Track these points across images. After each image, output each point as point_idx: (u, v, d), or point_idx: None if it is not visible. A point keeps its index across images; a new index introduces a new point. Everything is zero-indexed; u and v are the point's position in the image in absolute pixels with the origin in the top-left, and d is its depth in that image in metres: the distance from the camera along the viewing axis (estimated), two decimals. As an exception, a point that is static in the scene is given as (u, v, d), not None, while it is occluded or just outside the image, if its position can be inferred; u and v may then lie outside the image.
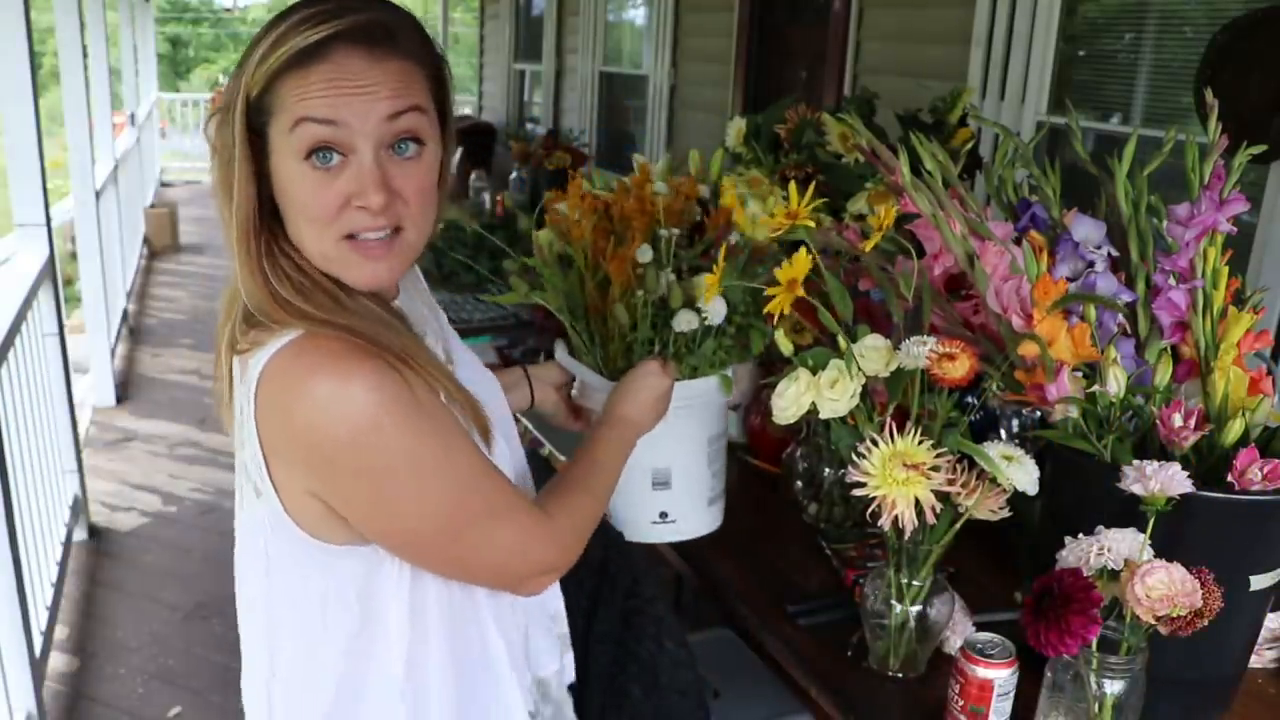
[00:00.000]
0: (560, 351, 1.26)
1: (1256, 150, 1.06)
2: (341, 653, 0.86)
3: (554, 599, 1.06)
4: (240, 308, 0.83)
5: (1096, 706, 0.91)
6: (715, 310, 1.14)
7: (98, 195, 3.98)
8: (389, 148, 0.79)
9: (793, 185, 1.10)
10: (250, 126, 0.79)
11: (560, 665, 1.07)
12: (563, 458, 1.64)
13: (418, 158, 0.81)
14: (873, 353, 1.01)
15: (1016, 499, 0.99)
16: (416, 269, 1.03)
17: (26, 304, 2.35)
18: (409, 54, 0.80)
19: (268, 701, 0.90)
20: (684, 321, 1.14)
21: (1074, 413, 0.98)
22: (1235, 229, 1.04)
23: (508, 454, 0.94)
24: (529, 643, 1.01)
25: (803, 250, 1.04)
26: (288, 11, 0.77)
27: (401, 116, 0.78)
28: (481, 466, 0.84)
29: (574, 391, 1.26)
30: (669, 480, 1.24)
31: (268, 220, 0.83)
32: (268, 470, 0.80)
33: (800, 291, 1.03)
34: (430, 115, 0.82)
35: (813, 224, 1.08)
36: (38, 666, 2.01)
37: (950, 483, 0.96)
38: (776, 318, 1.07)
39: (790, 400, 1.03)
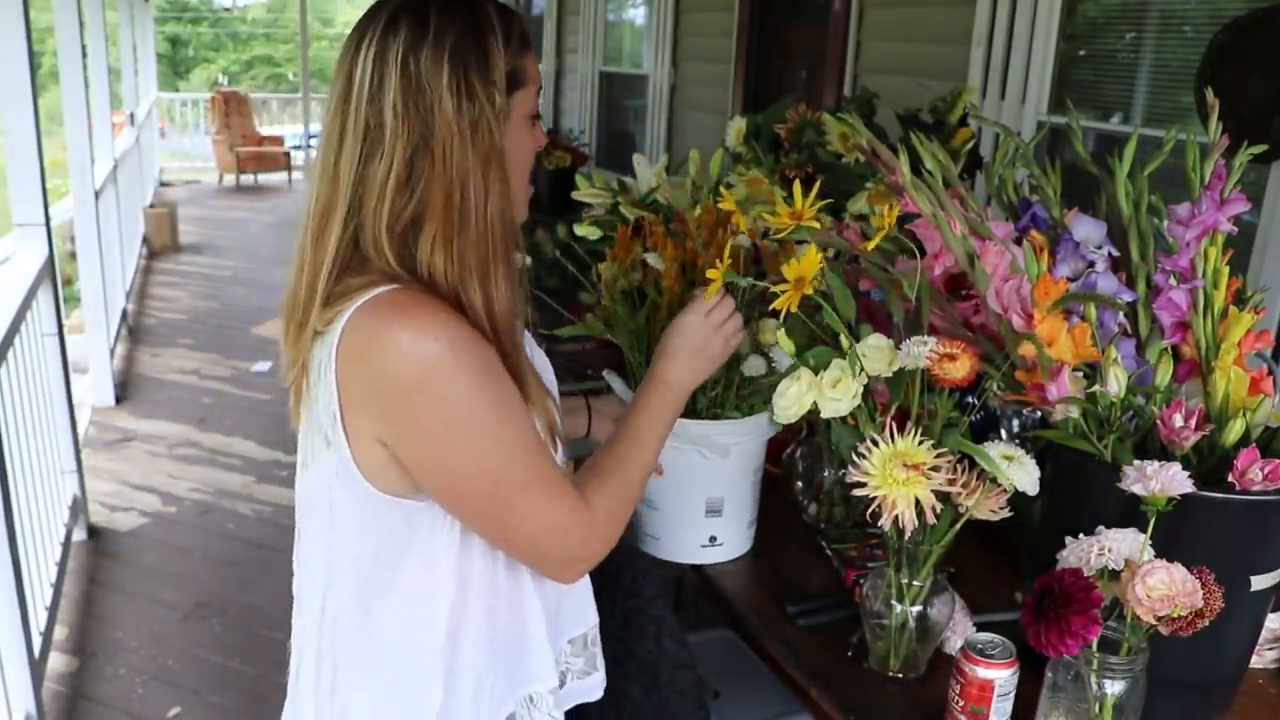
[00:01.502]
0: (618, 384, 1.27)
1: (1257, 150, 1.06)
2: (390, 605, 0.91)
3: (586, 584, 1.08)
4: (322, 295, 0.86)
5: (1097, 707, 0.90)
6: (783, 355, 1.15)
7: (97, 195, 3.98)
8: None
9: (797, 185, 1.10)
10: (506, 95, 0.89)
11: (594, 621, 1.09)
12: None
13: None
14: (875, 352, 1.01)
15: (1017, 499, 0.99)
16: None
17: (26, 304, 2.34)
18: None
19: (316, 644, 0.94)
20: (753, 367, 1.19)
21: (1074, 413, 0.98)
22: (1236, 229, 1.04)
23: (559, 460, 0.97)
24: (562, 609, 1.04)
25: (811, 249, 1.05)
26: (483, 8, 0.88)
27: None
28: (536, 443, 0.88)
29: None
30: (721, 509, 1.29)
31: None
32: (341, 418, 0.85)
33: (809, 289, 1.03)
34: None
35: (818, 225, 1.08)
36: (37, 667, 2.01)
37: (950, 483, 0.96)
38: (783, 315, 1.07)
39: (792, 400, 1.03)
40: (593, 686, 1.09)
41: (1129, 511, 0.90)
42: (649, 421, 1.01)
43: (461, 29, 0.86)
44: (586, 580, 1.07)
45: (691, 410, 1.24)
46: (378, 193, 0.84)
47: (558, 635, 1.04)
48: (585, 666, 1.08)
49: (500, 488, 0.86)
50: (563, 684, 1.05)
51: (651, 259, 1.20)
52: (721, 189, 1.34)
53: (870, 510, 0.96)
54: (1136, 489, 0.89)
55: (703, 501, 1.27)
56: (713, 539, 1.30)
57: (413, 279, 0.85)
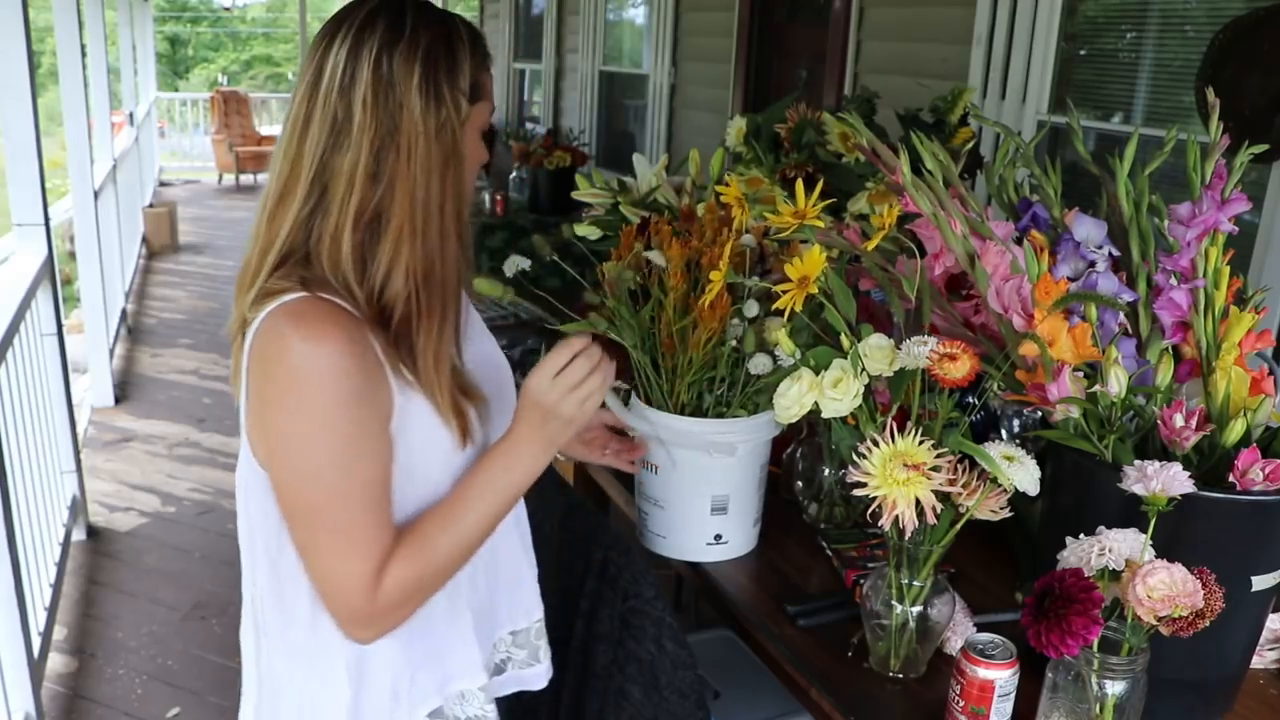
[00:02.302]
0: (613, 401, 1.26)
1: (1258, 149, 1.06)
2: (298, 593, 0.92)
3: (526, 565, 1.09)
4: (260, 284, 0.87)
5: (1098, 707, 0.90)
6: (787, 354, 1.15)
7: (96, 195, 3.98)
8: None
9: (799, 185, 1.10)
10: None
11: (538, 615, 1.10)
12: (563, 458, 1.64)
13: None
14: (876, 352, 1.00)
15: (1017, 499, 0.99)
16: None
17: (25, 304, 2.34)
18: None
19: (254, 620, 0.97)
20: (759, 365, 1.18)
21: (1075, 413, 0.98)
22: (1237, 228, 1.04)
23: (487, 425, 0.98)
24: (498, 603, 1.05)
25: (816, 248, 1.04)
26: (454, 21, 0.91)
27: None
28: (369, 496, 0.86)
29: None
30: (726, 506, 1.28)
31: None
32: (245, 406, 0.89)
33: (813, 289, 1.03)
34: None
35: (821, 224, 1.08)
36: (36, 667, 2.01)
37: (951, 483, 0.96)
38: (787, 314, 1.07)
39: (793, 400, 1.03)
40: (535, 677, 1.10)
41: (1129, 512, 0.90)
42: (480, 494, 0.92)
43: (435, 35, 0.88)
44: (530, 572, 1.10)
45: (698, 409, 1.24)
46: (345, 182, 0.86)
47: (493, 628, 1.05)
48: (529, 658, 1.10)
49: (312, 515, 0.86)
50: (501, 672, 1.07)
51: (654, 256, 1.20)
52: (726, 177, 1.34)
53: (870, 510, 0.96)
54: (1137, 489, 0.89)
55: (708, 499, 1.27)
56: (718, 537, 1.30)
57: (340, 285, 0.87)
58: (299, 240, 0.88)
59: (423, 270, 0.88)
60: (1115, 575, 0.89)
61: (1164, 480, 0.88)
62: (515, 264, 1.21)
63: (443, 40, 0.89)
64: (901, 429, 0.96)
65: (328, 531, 0.86)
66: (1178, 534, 0.91)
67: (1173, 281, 1.04)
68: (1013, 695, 0.96)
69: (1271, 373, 1.01)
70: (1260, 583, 0.97)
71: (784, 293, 1.06)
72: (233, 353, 0.92)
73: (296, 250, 0.88)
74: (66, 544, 2.65)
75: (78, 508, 2.83)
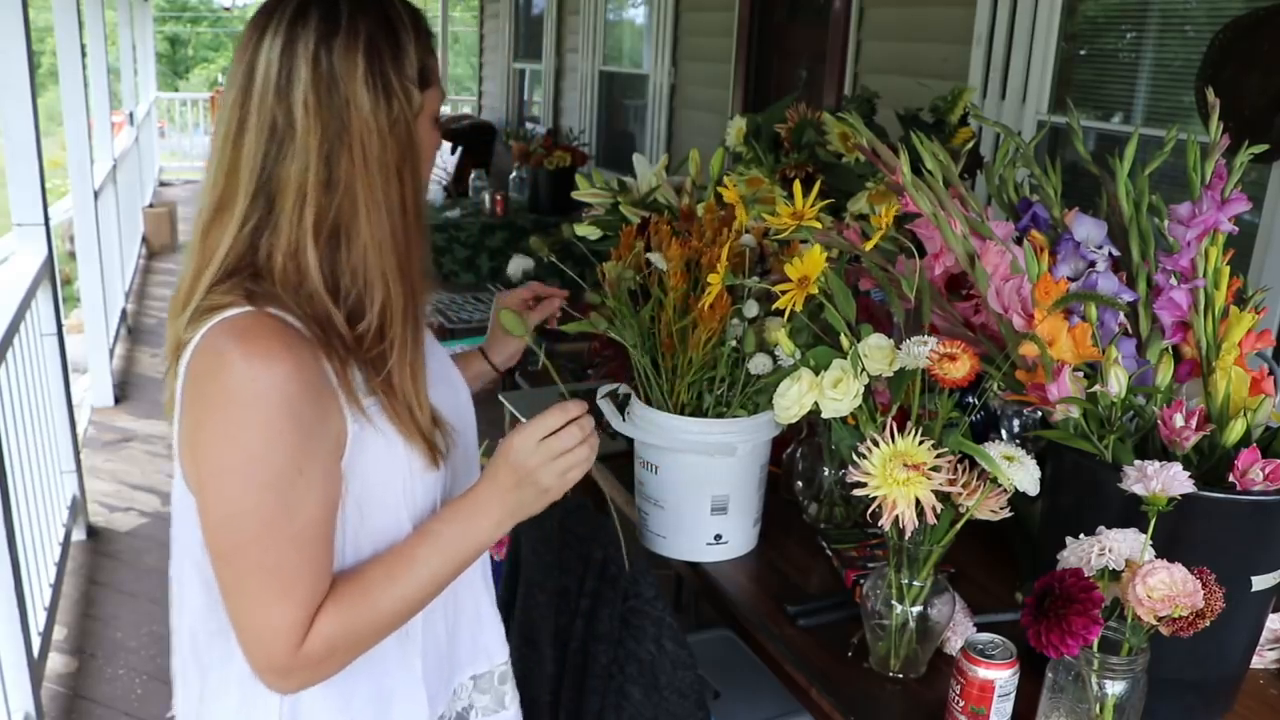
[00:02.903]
0: (609, 409, 1.25)
1: (1258, 149, 1.06)
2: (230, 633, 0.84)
3: (488, 604, 1.02)
4: (198, 301, 0.79)
5: (1098, 707, 0.90)
6: (787, 354, 1.14)
7: (96, 195, 3.98)
8: None
9: (797, 185, 1.10)
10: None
11: (502, 658, 1.04)
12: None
13: None
14: (876, 352, 1.00)
15: (1017, 499, 0.99)
16: None
17: (25, 304, 2.34)
18: None
19: (194, 656, 0.89)
20: (759, 365, 1.18)
21: (1075, 413, 0.98)
22: (1237, 228, 1.04)
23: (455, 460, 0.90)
24: (459, 645, 0.98)
25: (816, 248, 1.04)
26: (391, 1, 0.84)
27: None
28: (304, 537, 0.78)
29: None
30: (726, 506, 1.28)
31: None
32: (179, 428, 0.81)
33: (813, 289, 1.03)
34: None
35: (819, 224, 1.08)
36: (36, 667, 2.01)
37: (951, 483, 0.96)
38: (787, 314, 1.07)
39: (793, 400, 1.03)
40: None
41: (1129, 512, 0.90)
42: (432, 551, 0.84)
43: (374, 20, 0.81)
44: (492, 610, 1.02)
45: (698, 409, 1.24)
46: (296, 193, 0.79)
47: (452, 672, 0.98)
48: (492, 704, 1.02)
49: (239, 553, 0.77)
50: None
51: (654, 258, 1.20)
52: (725, 179, 1.34)
53: (870, 510, 0.95)
54: (1137, 489, 0.89)
55: (708, 499, 1.27)
56: (718, 537, 1.29)
57: (302, 304, 0.79)
58: (243, 256, 0.80)
59: (397, 279, 0.82)
60: (1115, 575, 0.89)
61: (1164, 480, 0.88)
62: (520, 265, 1.20)
63: (383, 26, 0.81)
64: (901, 429, 0.96)
65: (254, 572, 0.77)
66: (1178, 534, 0.91)
67: (1173, 281, 1.04)
68: (1013, 695, 0.96)
69: (1271, 373, 1.01)
70: (1260, 583, 0.97)
71: (784, 293, 1.06)
72: (167, 381, 0.84)
73: (242, 267, 0.80)
74: (66, 544, 2.65)
75: (78, 508, 2.83)
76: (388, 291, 0.81)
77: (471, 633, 1.00)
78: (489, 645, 1.02)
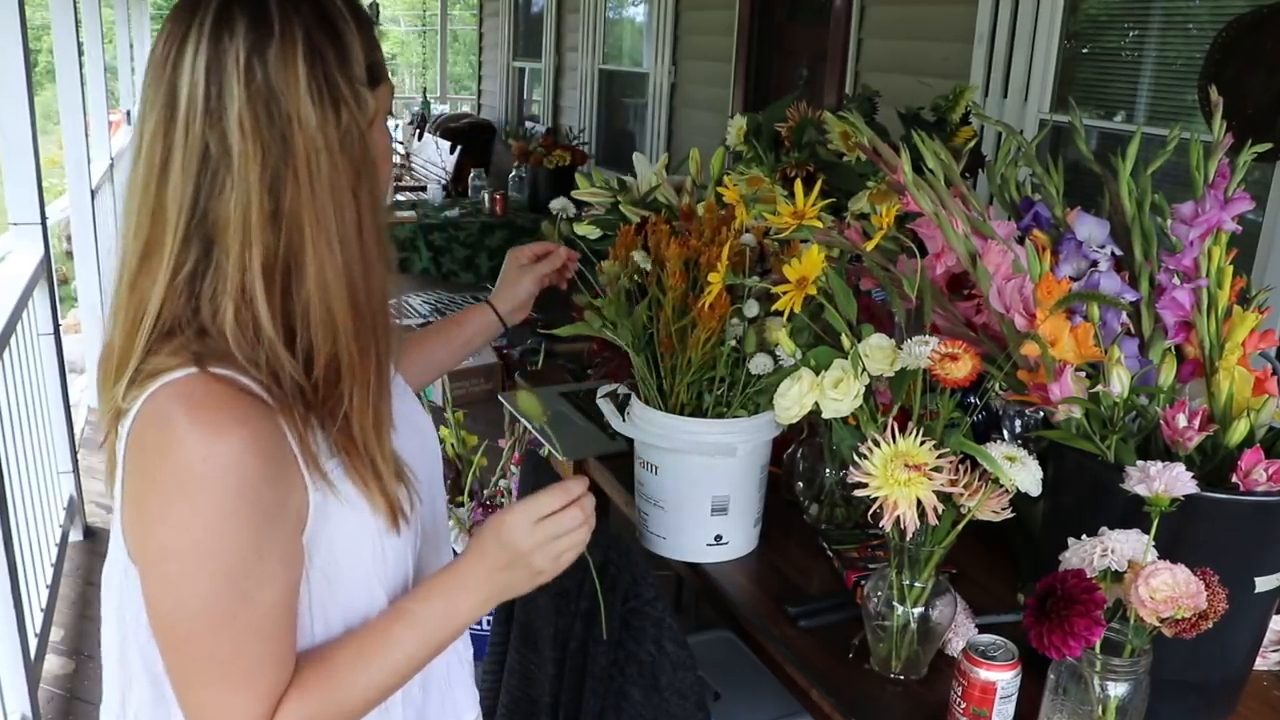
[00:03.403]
0: (608, 409, 1.25)
1: (1261, 148, 1.05)
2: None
3: (458, 661, 0.95)
4: (134, 365, 0.70)
5: (1100, 709, 0.90)
6: (787, 354, 1.14)
7: (94, 193, 3.97)
8: None
9: (798, 184, 1.10)
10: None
11: (472, 715, 0.97)
12: (562, 457, 1.64)
13: None
14: (877, 352, 1.00)
15: (1019, 500, 0.99)
16: None
17: (22, 303, 2.33)
18: None
19: None
20: (760, 365, 1.17)
21: (1077, 413, 0.97)
22: (1240, 228, 1.03)
23: (417, 503, 0.83)
24: (429, 707, 0.90)
25: (814, 248, 1.04)
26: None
27: None
28: (260, 620, 0.71)
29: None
30: (727, 507, 1.28)
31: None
32: (121, 500, 0.73)
33: (811, 289, 1.03)
34: None
35: (819, 224, 1.08)
36: (32, 669, 2.00)
37: (952, 483, 0.95)
38: (787, 314, 1.06)
39: (793, 400, 1.02)
40: None
41: (1132, 512, 0.90)
42: (410, 629, 0.77)
43: (310, 18, 0.70)
44: (463, 668, 0.95)
45: (698, 409, 1.24)
46: (239, 232, 0.69)
47: None
48: None
49: (191, 642, 0.70)
50: None
51: (639, 258, 1.19)
52: (725, 179, 1.33)
53: (871, 511, 0.95)
54: (1139, 490, 0.88)
55: (708, 500, 1.27)
56: (718, 538, 1.29)
57: (254, 360, 0.70)
58: (181, 310, 0.70)
59: (352, 316, 0.72)
60: (1118, 576, 0.88)
61: (1167, 481, 0.87)
62: (562, 205, 1.20)
63: (322, 22, 0.71)
64: (903, 429, 0.95)
65: (209, 663, 0.70)
66: (1180, 535, 0.91)
67: (1175, 281, 1.04)
68: (1014, 697, 0.96)
69: (1275, 373, 1.01)
70: (1264, 584, 0.97)
71: (784, 293, 1.06)
72: (106, 451, 0.75)
73: (181, 323, 0.70)
74: (63, 545, 2.64)
75: (75, 508, 2.82)
76: (345, 331, 0.72)
77: (441, 694, 0.93)
78: (459, 704, 0.95)
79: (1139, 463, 0.90)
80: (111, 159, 5.00)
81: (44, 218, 2.62)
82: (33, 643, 2.05)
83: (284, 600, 0.73)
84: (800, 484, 1.42)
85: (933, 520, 0.94)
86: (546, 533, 0.78)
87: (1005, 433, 1.42)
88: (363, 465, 0.75)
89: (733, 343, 1.18)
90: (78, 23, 3.62)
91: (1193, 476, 0.88)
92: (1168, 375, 1.00)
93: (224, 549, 0.68)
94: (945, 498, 0.97)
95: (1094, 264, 1.04)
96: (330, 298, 0.71)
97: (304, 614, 0.77)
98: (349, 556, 0.77)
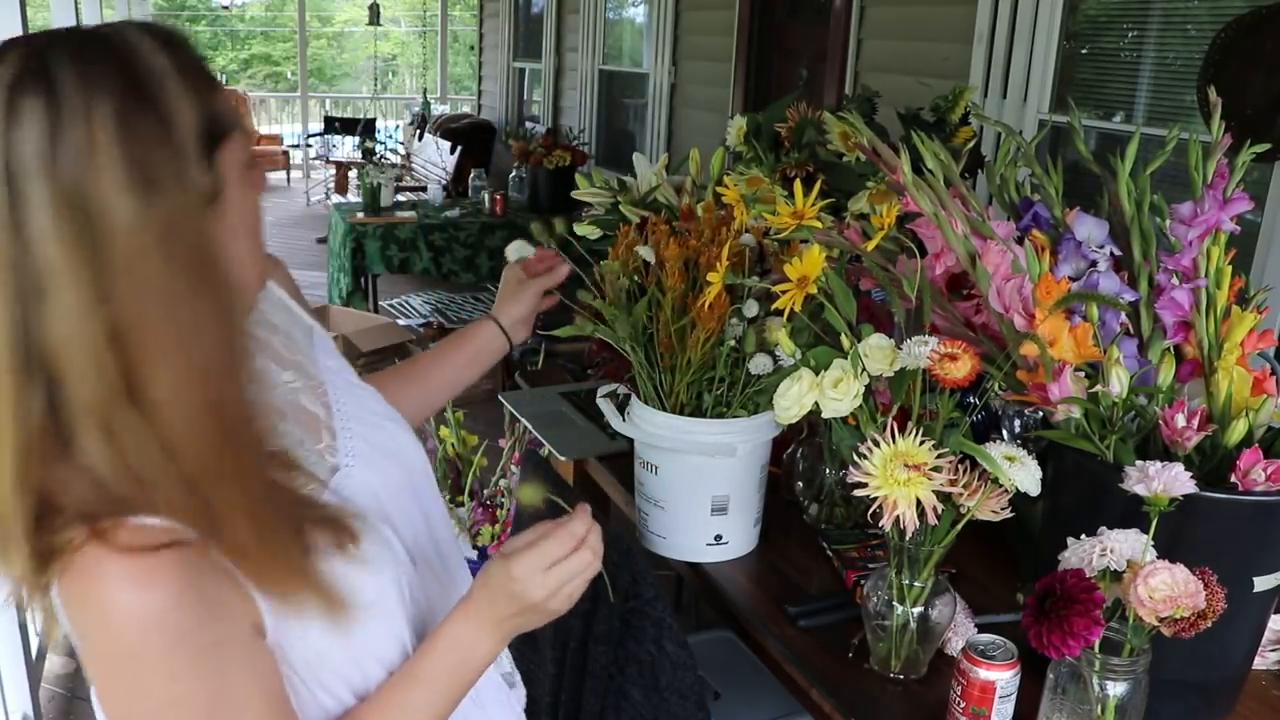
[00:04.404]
0: (608, 408, 1.23)
1: (1260, 149, 1.06)
2: None
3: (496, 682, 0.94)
4: (29, 552, 0.62)
5: (1099, 708, 0.90)
6: (787, 354, 1.14)
7: (96, 194, 3.97)
8: None
9: (797, 184, 1.10)
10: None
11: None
12: (563, 457, 1.64)
13: None
14: (877, 352, 1.00)
15: (1018, 500, 0.99)
16: (271, 287, 0.87)
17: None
18: None
19: None
20: (759, 365, 1.17)
21: (1076, 413, 0.97)
22: (1239, 228, 1.04)
23: (396, 542, 0.79)
24: None
25: (814, 248, 1.04)
26: (130, 39, 0.62)
27: None
28: None
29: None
30: (727, 507, 1.28)
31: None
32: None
33: (812, 289, 1.03)
34: None
35: (819, 224, 1.08)
36: (34, 668, 2.00)
37: (952, 483, 0.96)
38: (787, 314, 1.07)
39: (793, 400, 1.02)
40: None
41: (1131, 512, 0.90)
42: (427, 694, 0.75)
43: (118, 86, 0.58)
44: (493, 696, 0.92)
45: (697, 409, 1.24)
46: (83, 355, 0.59)
47: None
48: None
49: None
50: None
51: (643, 251, 1.19)
52: (725, 179, 1.33)
53: (871, 511, 0.95)
54: (1139, 489, 0.88)
55: (708, 500, 1.27)
56: (718, 537, 1.29)
57: (138, 487, 0.62)
58: (48, 454, 0.60)
59: (213, 427, 0.63)
60: (1117, 576, 0.88)
61: (1166, 480, 0.87)
62: (518, 249, 1.18)
63: (131, 86, 0.59)
64: (902, 429, 0.95)
65: None
66: (1179, 534, 0.91)
67: (1174, 281, 1.04)
68: (1014, 696, 0.96)
69: (1274, 373, 1.01)
70: (1262, 583, 0.97)
71: (783, 293, 1.06)
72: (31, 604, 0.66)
73: (61, 482, 0.61)
74: (66, 544, 2.63)
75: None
76: (211, 447, 0.63)
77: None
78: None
79: (1138, 462, 0.90)
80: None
81: (45, 218, 2.62)
82: (34, 642, 2.06)
83: (269, 709, 0.69)
84: (800, 484, 1.42)
85: (932, 520, 0.94)
86: (558, 579, 0.75)
87: (1005, 433, 1.42)
88: (270, 572, 0.67)
89: (732, 343, 1.18)
90: (79, 23, 3.62)
91: (1191, 476, 0.88)
92: (1167, 375, 1.01)
93: (183, 707, 0.65)
94: (945, 497, 0.97)
95: (1093, 264, 1.04)
96: (191, 415, 0.62)
97: (309, 692, 0.74)
98: (327, 639, 0.73)
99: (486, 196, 4.88)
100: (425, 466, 0.91)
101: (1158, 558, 0.87)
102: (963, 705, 0.96)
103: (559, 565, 0.75)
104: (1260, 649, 1.09)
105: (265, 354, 0.81)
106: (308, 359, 0.86)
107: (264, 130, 10.21)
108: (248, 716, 0.68)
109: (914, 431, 0.95)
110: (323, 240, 6.40)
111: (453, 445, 2.13)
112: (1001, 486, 0.96)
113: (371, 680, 0.78)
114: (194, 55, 0.64)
